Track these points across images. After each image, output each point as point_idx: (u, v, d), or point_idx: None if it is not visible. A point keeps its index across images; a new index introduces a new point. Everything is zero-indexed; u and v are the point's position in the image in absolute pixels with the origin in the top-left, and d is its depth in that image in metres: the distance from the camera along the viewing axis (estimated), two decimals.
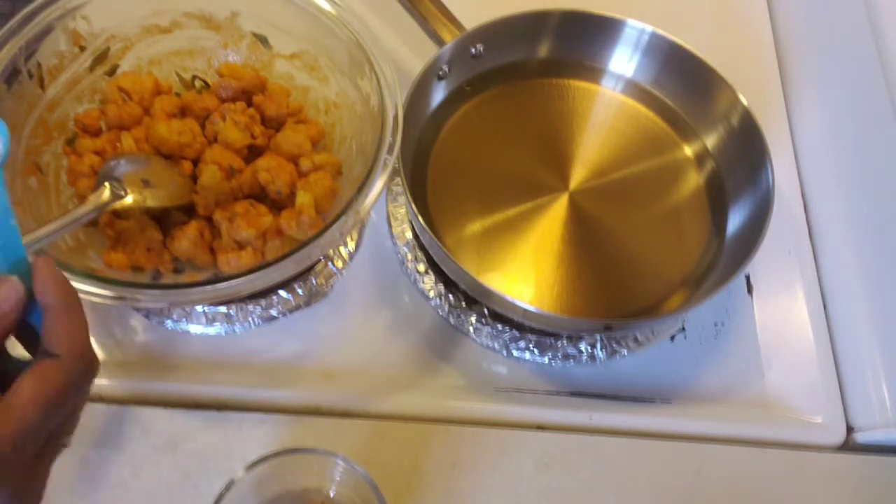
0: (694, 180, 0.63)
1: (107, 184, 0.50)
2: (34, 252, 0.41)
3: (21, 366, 0.31)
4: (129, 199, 0.50)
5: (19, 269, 0.29)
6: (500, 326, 0.57)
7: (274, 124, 0.58)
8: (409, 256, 0.59)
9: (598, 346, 0.57)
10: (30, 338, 0.32)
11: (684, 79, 0.65)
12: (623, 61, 0.67)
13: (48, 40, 0.52)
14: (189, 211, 0.54)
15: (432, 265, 0.59)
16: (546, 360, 0.57)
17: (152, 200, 0.51)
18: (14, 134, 0.51)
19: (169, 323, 0.56)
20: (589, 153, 0.63)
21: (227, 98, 0.57)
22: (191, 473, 0.50)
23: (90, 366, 0.31)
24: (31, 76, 0.52)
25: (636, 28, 0.64)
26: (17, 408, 0.29)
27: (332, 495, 0.46)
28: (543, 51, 0.67)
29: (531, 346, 0.57)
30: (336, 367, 0.56)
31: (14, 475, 0.29)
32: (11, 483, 0.29)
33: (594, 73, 0.67)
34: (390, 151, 0.49)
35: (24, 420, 0.29)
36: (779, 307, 0.62)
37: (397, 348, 0.57)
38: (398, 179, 0.60)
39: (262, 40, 0.59)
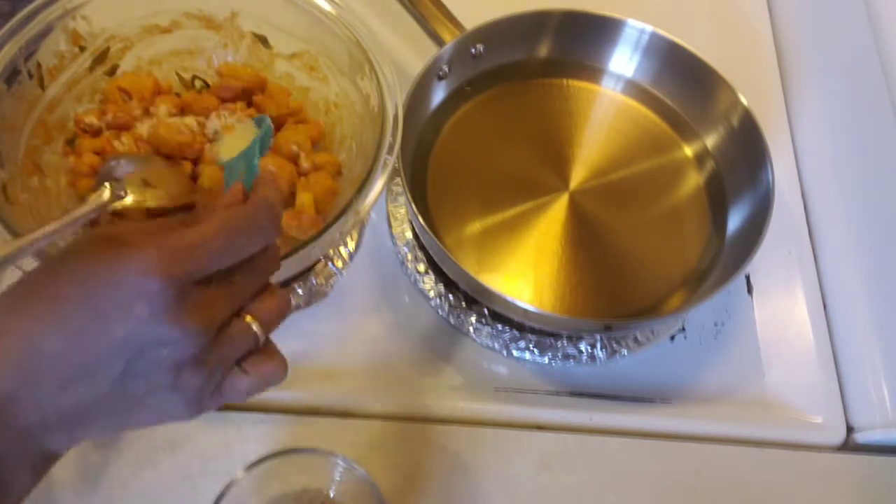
0: (694, 180, 0.63)
1: (107, 184, 0.50)
2: (34, 252, 0.40)
3: None
4: (129, 199, 0.50)
5: None
6: (500, 326, 0.57)
7: (274, 124, 0.57)
8: (409, 256, 0.59)
9: (598, 346, 0.57)
10: None
11: (684, 79, 0.65)
12: (623, 61, 0.67)
13: (48, 40, 0.52)
14: (189, 211, 0.54)
15: (432, 265, 0.59)
16: (546, 360, 0.57)
17: (152, 200, 0.51)
18: (14, 134, 0.51)
19: None
20: (589, 153, 0.63)
21: (227, 98, 0.57)
22: (191, 473, 0.50)
23: (271, 213, 0.34)
24: (31, 76, 0.52)
25: (636, 28, 0.64)
26: (197, 228, 0.32)
27: (332, 495, 0.45)
28: (543, 51, 0.67)
29: (531, 346, 0.57)
30: (336, 367, 0.56)
31: (182, 295, 0.30)
32: (197, 317, 0.31)
33: (594, 73, 0.67)
34: (390, 151, 0.49)
35: (199, 235, 0.31)
36: (779, 307, 0.62)
37: (397, 348, 0.57)
38: (398, 179, 0.60)
39: (262, 40, 0.59)
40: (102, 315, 0.29)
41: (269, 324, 0.35)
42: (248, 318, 0.34)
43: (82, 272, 0.30)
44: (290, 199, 0.54)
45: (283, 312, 0.35)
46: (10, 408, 0.29)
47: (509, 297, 0.51)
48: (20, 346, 0.29)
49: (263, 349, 0.35)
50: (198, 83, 0.60)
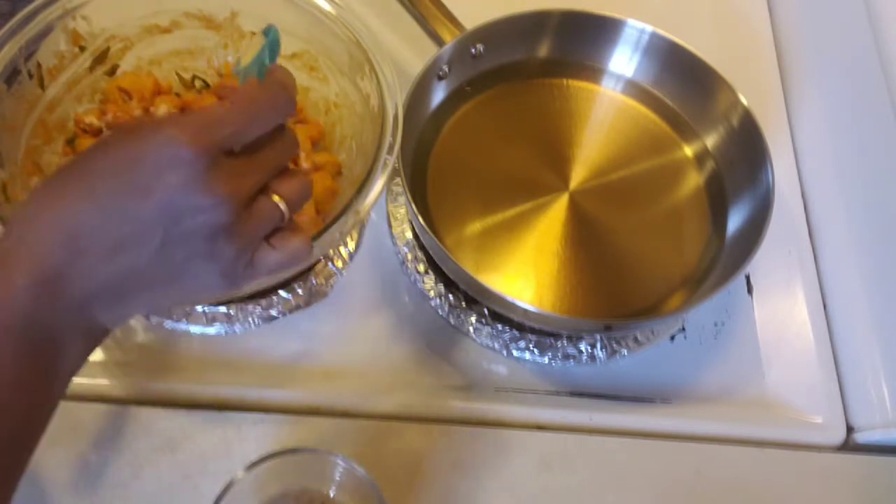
0: (694, 180, 0.63)
1: None
2: None
3: None
4: None
5: None
6: (500, 326, 0.57)
7: None
8: (409, 256, 0.59)
9: (598, 346, 0.57)
10: None
11: (684, 79, 0.65)
12: (623, 61, 0.67)
13: (48, 40, 0.52)
14: None
15: (432, 265, 0.59)
16: (546, 360, 0.57)
17: None
18: (14, 134, 0.51)
19: (169, 323, 0.56)
20: (589, 153, 0.63)
21: (227, 98, 0.57)
22: (191, 473, 0.50)
23: (287, 89, 0.35)
24: (31, 76, 0.52)
25: (636, 28, 0.64)
26: (219, 104, 0.33)
27: (332, 495, 0.45)
28: (543, 51, 0.67)
29: (531, 346, 0.57)
30: (336, 367, 0.56)
31: (213, 166, 0.32)
32: (225, 186, 0.32)
33: (594, 73, 0.67)
34: (390, 151, 0.49)
35: (220, 109, 0.33)
36: (779, 307, 0.62)
37: (397, 348, 0.57)
38: (398, 179, 0.60)
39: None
40: (136, 187, 0.31)
41: (293, 202, 0.36)
42: (275, 197, 0.35)
43: (112, 153, 0.32)
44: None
45: (305, 192, 0.37)
46: (60, 281, 0.31)
47: (509, 297, 0.51)
48: (60, 224, 0.31)
49: (289, 226, 0.37)
50: (198, 83, 0.60)
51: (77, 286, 0.31)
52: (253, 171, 0.34)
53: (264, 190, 0.35)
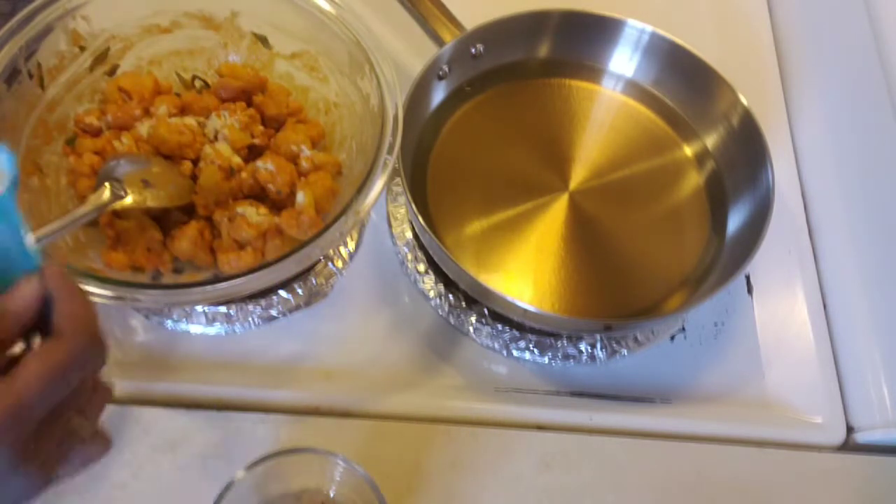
0: (694, 180, 0.63)
1: (107, 184, 0.50)
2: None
3: None
4: (129, 200, 0.50)
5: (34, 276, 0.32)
6: (500, 326, 0.57)
7: (274, 124, 0.58)
8: (409, 256, 0.59)
9: (598, 346, 0.57)
10: None
11: (684, 79, 0.65)
12: (623, 61, 0.67)
13: (48, 40, 0.52)
14: (189, 211, 0.54)
15: (432, 265, 0.59)
16: (546, 360, 0.57)
17: (152, 200, 0.51)
18: (14, 134, 0.51)
19: (169, 323, 0.56)
20: (589, 153, 0.63)
21: (227, 98, 0.57)
22: (191, 473, 0.50)
23: (93, 341, 0.32)
24: (31, 76, 0.52)
25: (636, 28, 0.64)
26: (20, 380, 0.30)
27: (332, 495, 0.46)
28: (543, 51, 0.67)
29: (531, 346, 0.57)
30: (336, 367, 0.56)
31: (13, 446, 0.30)
32: (9, 453, 0.30)
33: (594, 73, 0.67)
34: (390, 151, 0.49)
35: (25, 393, 0.30)
36: (779, 307, 0.62)
37: (397, 348, 0.57)
38: (398, 179, 0.60)
39: (262, 40, 0.59)
40: None
41: (94, 416, 0.35)
42: (74, 419, 0.34)
43: None
44: (290, 199, 0.54)
45: (104, 405, 0.36)
46: None
47: (509, 297, 0.51)
48: None
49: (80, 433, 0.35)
50: (198, 83, 0.60)
51: None
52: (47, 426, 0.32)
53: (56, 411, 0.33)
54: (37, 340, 0.33)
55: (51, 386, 0.31)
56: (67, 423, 0.34)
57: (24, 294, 0.31)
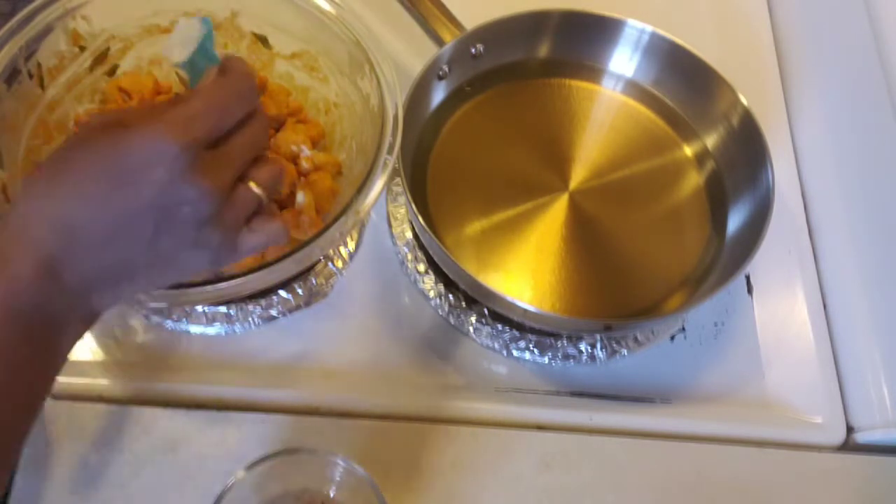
0: (694, 180, 0.63)
1: None
2: None
3: None
4: None
5: None
6: (500, 326, 0.57)
7: (274, 124, 0.57)
8: (409, 256, 0.59)
9: (598, 346, 0.57)
10: None
11: (684, 79, 0.65)
12: (623, 61, 0.67)
13: (48, 40, 0.52)
14: None
15: (432, 265, 0.59)
16: (546, 360, 0.57)
17: None
18: (14, 134, 0.51)
19: (169, 323, 0.56)
20: (589, 153, 0.63)
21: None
22: (191, 473, 0.50)
23: (250, 81, 0.37)
24: (31, 76, 0.52)
25: (636, 28, 0.64)
26: (189, 102, 0.35)
27: (332, 495, 0.45)
28: (543, 51, 0.67)
29: (531, 346, 0.57)
30: (336, 367, 0.56)
31: (194, 168, 0.34)
32: (204, 174, 0.34)
33: (594, 73, 0.67)
34: (390, 151, 0.49)
35: (193, 108, 0.34)
36: (779, 307, 0.62)
37: (397, 348, 0.57)
38: (398, 179, 0.60)
39: (262, 40, 0.59)
40: (126, 182, 0.33)
41: (269, 187, 0.38)
42: (252, 184, 0.37)
43: (102, 149, 0.33)
44: (290, 199, 0.54)
45: (278, 176, 0.39)
46: (59, 270, 0.33)
47: (509, 297, 0.51)
48: (57, 219, 0.33)
49: (266, 210, 0.39)
50: None
51: (74, 275, 0.33)
52: (231, 162, 0.36)
53: (242, 178, 0.37)
54: None
55: (217, 106, 0.35)
56: (246, 186, 0.37)
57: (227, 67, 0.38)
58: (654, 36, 0.64)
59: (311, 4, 0.55)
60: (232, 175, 0.36)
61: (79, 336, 0.36)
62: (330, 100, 0.59)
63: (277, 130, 0.57)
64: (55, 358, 0.35)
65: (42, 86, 0.53)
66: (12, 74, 0.50)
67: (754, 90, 0.62)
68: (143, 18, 0.56)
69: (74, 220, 0.33)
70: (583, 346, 0.57)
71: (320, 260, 0.58)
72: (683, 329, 0.60)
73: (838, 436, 0.57)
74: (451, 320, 0.58)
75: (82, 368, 0.54)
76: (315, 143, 0.57)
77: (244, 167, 0.37)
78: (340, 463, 0.43)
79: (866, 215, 0.61)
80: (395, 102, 0.51)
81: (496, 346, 0.57)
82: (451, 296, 0.58)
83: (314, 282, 0.57)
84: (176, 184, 0.33)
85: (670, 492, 0.53)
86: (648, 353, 0.58)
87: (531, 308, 0.51)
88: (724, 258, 0.59)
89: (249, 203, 0.38)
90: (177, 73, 0.60)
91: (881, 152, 0.61)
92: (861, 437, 0.56)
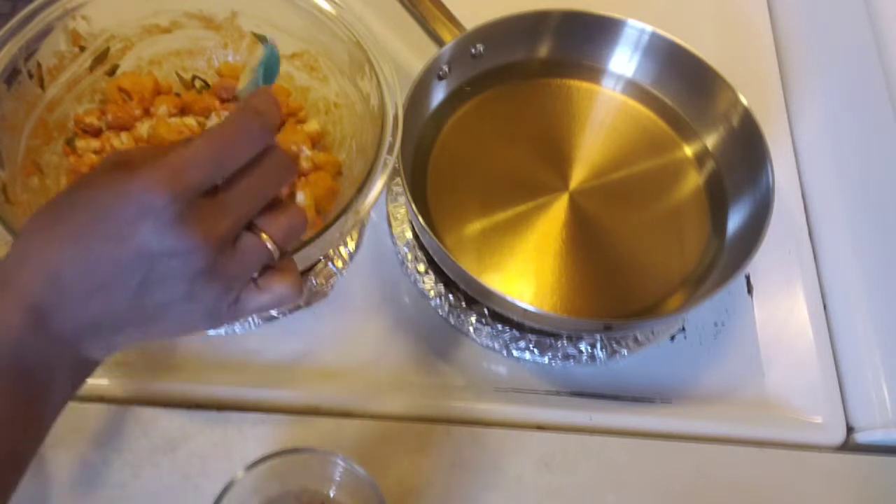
0: (694, 180, 0.63)
1: None
2: None
3: None
4: None
5: None
6: (500, 326, 0.57)
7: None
8: (409, 256, 0.59)
9: (598, 346, 0.57)
10: None
11: (684, 79, 0.65)
12: (623, 61, 0.67)
13: (48, 40, 0.52)
14: None
15: (432, 265, 0.59)
16: (546, 360, 0.57)
17: None
18: (14, 134, 0.51)
19: None
20: (589, 153, 0.63)
21: (227, 98, 0.57)
22: (191, 473, 0.50)
23: (262, 116, 0.34)
24: (31, 76, 0.52)
25: (636, 28, 0.64)
26: (190, 144, 0.33)
27: (332, 495, 0.45)
28: (543, 51, 0.67)
29: (531, 346, 0.57)
30: (336, 367, 0.56)
31: (189, 213, 0.32)
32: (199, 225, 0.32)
33: (594, 73, 0.67)
34: (390, 151, 0.49)
35: (191, 152, 0.32)
36: (779, 307, 0.62)
37: (397, 348, 0.57)
38: (398, 179, 0.60)
39: (262, 40, 0.59)
40: (113, 233, 0.32)
41: (284, 240, 0.36)
42: (263, 235, 0.35)
43: (94, 196, 0.32)
44: (290, 199, 0.54)
45: (296, 227, 0.36)
46: (47, 317, 0.32)
47: (509, 297, 0.51)
48: (47, 267, 0.32)
49: (280, 266, 0.37)
50: (198, 83, 0.60)
51: (62, 322, 0.33)
52: (231, 210, 0.34)
53: (251, 227, 0.35)
54: None
55: (217, 147, 0.33)
56: (254, 237, 0.35)
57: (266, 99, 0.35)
58: (654, 36, 0.64)
59: (311, 4, 0.55)
60: (231, 224, 0.34)
61: (72, 387, 0.35)
62: (330, 100, 0.59)
63: (277, 131, 0.57)
64: (43, 409, 0.34)
65: (42, 86, 0.53)
66: (12, 74, 0.50)
67: (754, 90, 0.62)
68: (143, 18, 0.56)
69: (63, 269, 0.32)
70: (583, 346, 0.57)
71: (320, 260, 0.58)
72: (683, 329, 0.60)
73: (838, 436, 0.57)
74: (451, 320, 0.58)
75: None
76: (315, 143, 0.57)
77: (251, 214, 0.35)
78: (340, 463, 0.43)
79: (866, 215, 0.61)
80: (395, 102, 0.51)
81: (496, 346, 0.57)
82: (451, 296, 0.58)
83: (314, 282, 0.57)
84: (161, 236, 0.32)
85: (670, 492, 0.53)
86: (648, 353, 0.58)
87: (531, 308, 0.51)
88: (724, 258, 0.59)
89: (257, 256, 0.35)
90: (177, 74, 0.60)
91: (881, 152, 0.61)
92: (861, 437, 0.56)
